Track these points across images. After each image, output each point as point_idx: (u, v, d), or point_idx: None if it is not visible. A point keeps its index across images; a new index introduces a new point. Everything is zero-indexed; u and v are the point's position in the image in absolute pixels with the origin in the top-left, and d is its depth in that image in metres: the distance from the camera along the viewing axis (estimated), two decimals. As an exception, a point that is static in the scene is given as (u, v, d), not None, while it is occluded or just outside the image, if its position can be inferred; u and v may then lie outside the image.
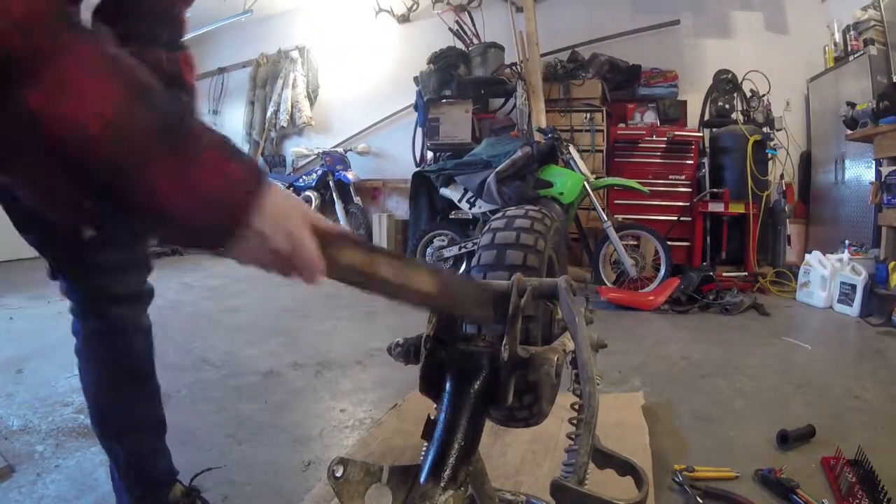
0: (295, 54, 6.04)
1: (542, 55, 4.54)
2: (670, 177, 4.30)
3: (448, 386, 0.74)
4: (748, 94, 4.49)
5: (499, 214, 1.15)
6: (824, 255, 3.37)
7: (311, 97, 6.09)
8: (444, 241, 3.92)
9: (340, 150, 5.62)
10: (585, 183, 3.44)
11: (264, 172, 0.55)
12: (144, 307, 1.03)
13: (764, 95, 4.44)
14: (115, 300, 0.98)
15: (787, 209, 4.19)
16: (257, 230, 0.52)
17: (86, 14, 0.67)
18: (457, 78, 4.51)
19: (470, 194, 3.70)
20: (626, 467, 0.74)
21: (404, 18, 5.67)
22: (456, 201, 3.81)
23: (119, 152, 0.44)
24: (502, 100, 4.83)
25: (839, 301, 3.17)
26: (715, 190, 4.09)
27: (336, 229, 0.59)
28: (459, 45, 4.89)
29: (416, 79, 4.80)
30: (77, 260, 0.93)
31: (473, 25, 5.00)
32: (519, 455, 1.34)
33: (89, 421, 1.61)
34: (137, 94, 0.45)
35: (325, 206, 5.35)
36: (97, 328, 0.99)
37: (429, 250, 3.95)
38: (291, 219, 0.55)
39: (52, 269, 0.94)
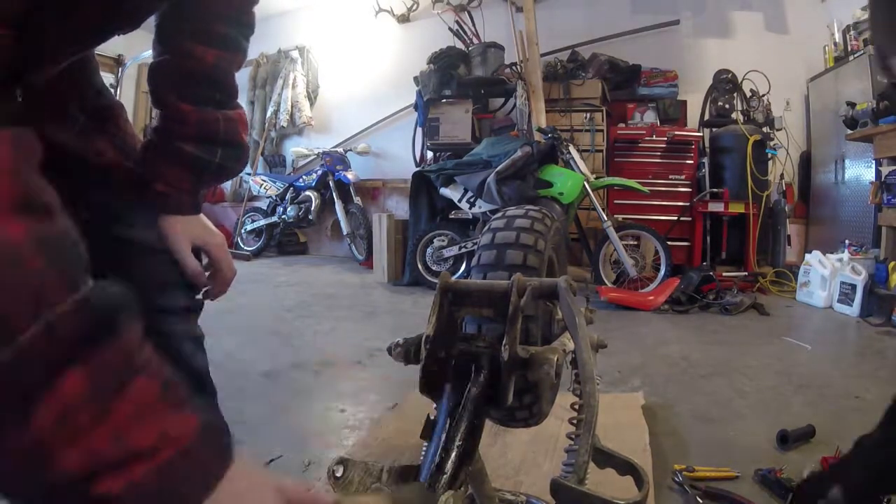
0: (295, 54, 6.04)
1: (542, 55, 4.54)
2: (670, 177, 4.30)
3: (448, 386, 0.74)
4: (748, 94, 4.49)
5: (499, 214, 1.15)
6: (824, 255, 3.37)
7: (311, 97, 6.09)
8: (444, 241, 3.93)
9: (340, 150, 5.62)
10: (585, 183, 3.44)
11: (229, 441, 0.38)
12: (195, 317, 0.95)
13: (764, 95, 4.45)
14: (163, 311, 0.91)
15: (787, 209, 4.19)
16: None
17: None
18: (457, 78, 4.51)
19: (470, 194, 3.71)
20: (626, 467, 0.74)
21: (404, 18, 5.67)
22: (456, 201, 3.81)
23: None
24: (502, 100, 4.83)
25: (839, 301, 3.17)
26: (715, 190, 4.09)
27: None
28: (459, 45, 4.88)
29: (416, 79, 4.80)
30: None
31: (473, 25, 5.00)
32: (519, 455, 1.34)
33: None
34: (41, 241, 0.31)
35: (325, 206, 5.36)
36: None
37: (429, 250, 3.96)
38: None
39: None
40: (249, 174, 5.91)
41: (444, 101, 4.54)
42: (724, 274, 3.83)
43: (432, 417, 0.72)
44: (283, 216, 5.36)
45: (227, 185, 6.57)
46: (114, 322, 0.33)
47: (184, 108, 0.79)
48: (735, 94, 4.53)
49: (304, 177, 5.42)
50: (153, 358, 0.36)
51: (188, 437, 0.35)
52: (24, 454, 0.30)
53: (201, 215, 0.85)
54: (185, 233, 0.81)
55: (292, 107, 5.92)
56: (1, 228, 0.29)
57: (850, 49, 4.03)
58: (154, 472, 0.33)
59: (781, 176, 4.49)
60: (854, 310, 3.04)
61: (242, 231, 5.62)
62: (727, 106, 4.49)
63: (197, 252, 0.83)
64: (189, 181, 0.82)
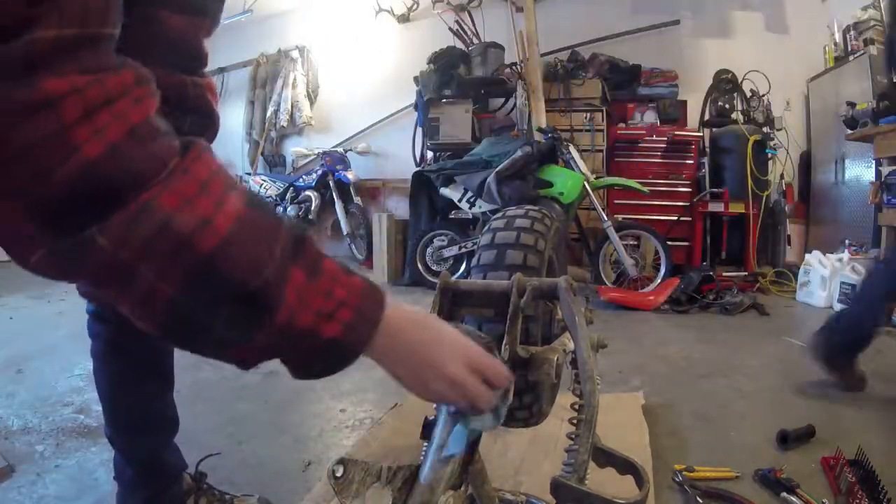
0: (295, 54, 6.03)
1: (542, 55, 4.54)
2: (670, 177, 4.30)
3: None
4: (748, 94, 4.49)
5: (499, 214, 1.15)
6: (824, 255, 3.37)
7: (311, 97, 6.08)
8: (444, 241, 3.92)
9: (340, 149, 5.61)
10: (585, 183, 3.44)
11: (380, 288, 0.56)
12: None
13: (764, 95, 4.44)
14: None
15: (787, 209, 4.19)
16: (398, 342, 0.55)
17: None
18: (457, 78, 4.51)
19: (470, 194, 3.70)
20: (626, 466, 0.74)
21: (404, 18, 5.67)
22: (456, 201, 3.81)
23: (250, 258, 0.45)
24: (502, 100, 4.83)
25: (839, 301, 3.17)
26: (715, 190, 4.09)
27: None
28: (459, 45, 4.88)
29: (416, 79, 4.80)
30: None
31: (473, 25, 4.99)
32: (519, 455, 1.34)
33: (90, 420, 1.61)
34: (253, 200, 0.47)
35: (325, 206, 5.35)
36: (120, 331, 0.97)
37: (429, 250, 3.95)
38: (427, 327, 0.59)
39: None
40: (249, 174, 5.90)
41: (444, 101, 4.54)
42: (724, 274, 3.83)
43: (431, 418, 0.72)
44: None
45: (227, 185, 6.56)
46: (304, 235, 0.50)
47: (152, 71, 0.77)
48: (735, 94, 4.53)
49: (304, 177, 5.42)
50: (324, 251, 0.52)
51: (361, 287, 0.53)
52: (284, 327, 0.48)
53: None
54: None
55: (292, 107, 5.91)
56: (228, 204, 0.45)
57: (850, 49, 4.03)
58: (354, 312, 0.51)
59: (781, 176, 4.48)
60: (854, 310, 3.04)
61: (242, 231, 5.61)
62: (727, 106, 4.49)
63: None
64: None
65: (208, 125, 0.86)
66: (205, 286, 0.44)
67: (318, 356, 0.52)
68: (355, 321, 0.51)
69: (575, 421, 0.70)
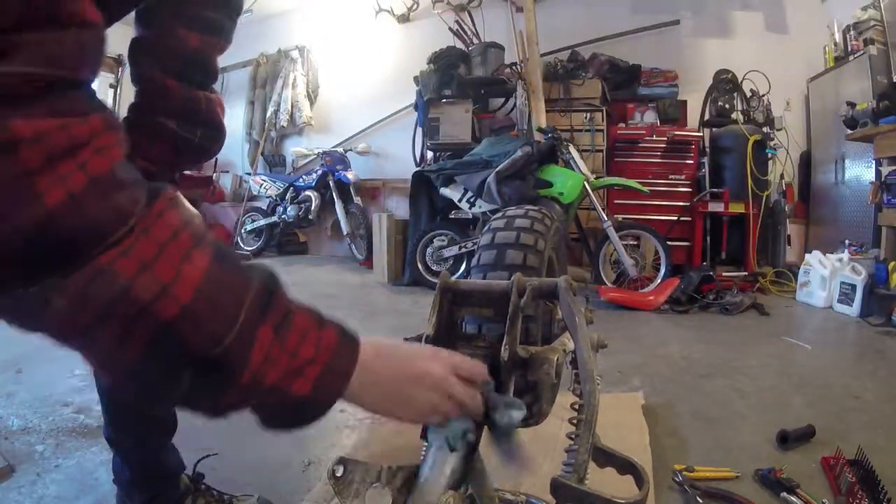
0: (295, 54, 6.04)
1: (542, 55, 4.54)
2: (670, 177, 4.30)
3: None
4: (748, 94, 4.49)
5: (499, 214, 1.15)
6: (824, 254, 3.37)
7: (311, 97, 6.09)
8: (444, 240, 3.92)
9: (340, 149, 5.62)
10: (585, 183, 3.44)
11: (356, 335, 0.55)
12: None
13: (764, 95, 4.44)
14: None
15: (787, 209, 4.19)
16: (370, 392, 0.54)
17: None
18: (457, 78, 4.51)
19: (470, 194, 3.70)
20: (626, 466, 0.74)
21: (404, 18, 5.67)
22: (456, 201, 3.81)
23: (211, 325, 0.43)
24: (502, 100, 4.83)
25: (839, 301, 3.17)
26: (715, 190, 4.09)
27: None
28: (459, 45, 4.88)
29: (416, 79, 4.80)
30: None
31: (473, 25, 4.99)
32: (519, 455, 1.34)
33: (90, 420, 1.61)
34: (221, 257, 0.45)
35: (325, 206, 5.36)
36: None
37: (429, 250, 3.95)
38: (409, 360, 0.59)
39: None
40: (249, 174, 5.91)
41: (444, 101, 4.53)
42: (724, 274, 3.83)
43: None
44: (283, 216, 5.36)
45: (227, 185, 6.57)
46: (275, 288, 0.48)
47: (168, 83, 0.80)
48: (735, 94, 4.53)
49: (304, 177, 5.42)
50: (295, 299, 0.50)
51: (333, 341, 0.51)
52: (249, 386, 0.46)
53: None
54: None
55: (292, 107, 5.92)
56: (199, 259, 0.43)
57: (850, 49, 4.02)
58: (322, 368, 0.49)
59: (781, 176, 4.48)
60: (854, 310, 3.04)
61: (242, 231, 5.62)
62: (727, 106, 4.49)
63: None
64: (170, 159, 0.83)
65: (217, 138, 0.89)
66: (164, 354, 0.42)
67: (287, 411, 0.50)
68: (324, 377, 0.50)
69: (575, 421, 0.70)
